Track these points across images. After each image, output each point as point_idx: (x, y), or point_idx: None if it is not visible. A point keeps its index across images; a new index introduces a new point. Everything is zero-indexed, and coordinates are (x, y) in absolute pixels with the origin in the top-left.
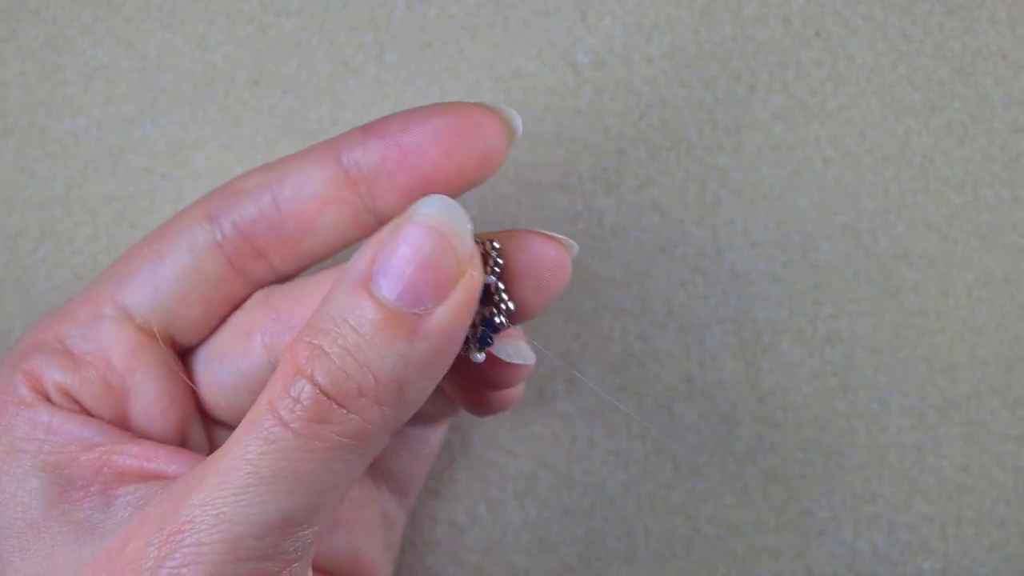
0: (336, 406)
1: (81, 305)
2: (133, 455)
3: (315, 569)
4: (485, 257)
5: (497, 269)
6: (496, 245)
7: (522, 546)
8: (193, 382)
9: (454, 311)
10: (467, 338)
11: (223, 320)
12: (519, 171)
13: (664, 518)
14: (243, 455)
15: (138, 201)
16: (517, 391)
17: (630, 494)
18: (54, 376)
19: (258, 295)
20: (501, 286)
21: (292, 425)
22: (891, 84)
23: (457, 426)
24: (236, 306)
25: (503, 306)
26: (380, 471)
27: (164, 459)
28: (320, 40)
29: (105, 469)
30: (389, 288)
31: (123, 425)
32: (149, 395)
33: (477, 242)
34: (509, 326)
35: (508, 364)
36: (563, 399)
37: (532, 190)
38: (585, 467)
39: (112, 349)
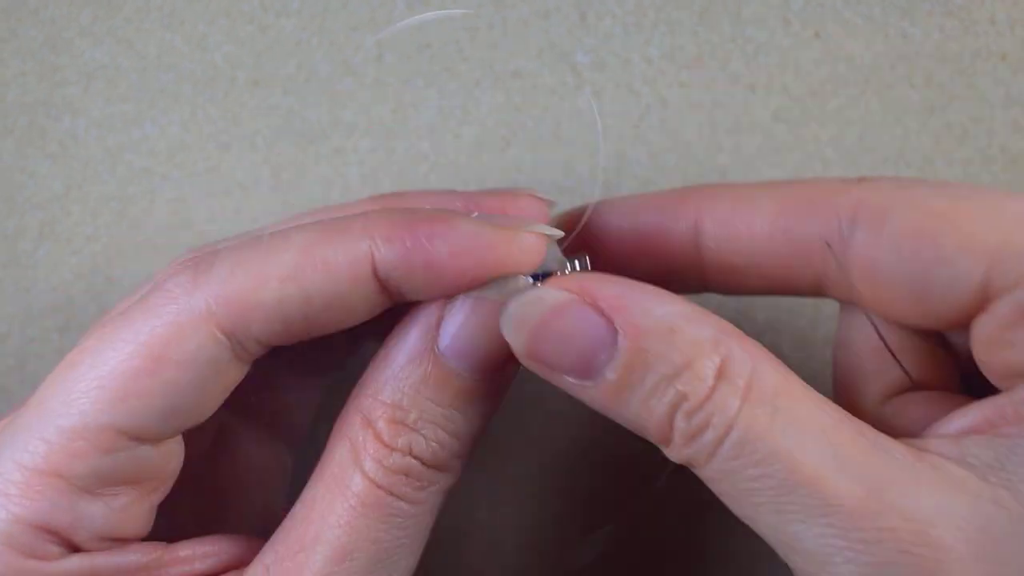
0: (437, 471)
1: (76, 440)
2: (179, 560)
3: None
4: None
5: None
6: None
7: (521, 548)
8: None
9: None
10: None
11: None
12: (519, 171)
13: (665, 519)
14: (361, 536)
15: (138, 201)
16: None
17: (631, 495)
18: (85, 524)
19: None
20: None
21: (406, 498)
22: (890, 84)
23: None
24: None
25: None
26: (278, 427)
27: (210, 555)
28: (320, 40)
29: None
30: (458, 358)
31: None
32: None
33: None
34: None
35: None
36: (563, 400)
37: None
38: (585, 469)
39: (144, 471)
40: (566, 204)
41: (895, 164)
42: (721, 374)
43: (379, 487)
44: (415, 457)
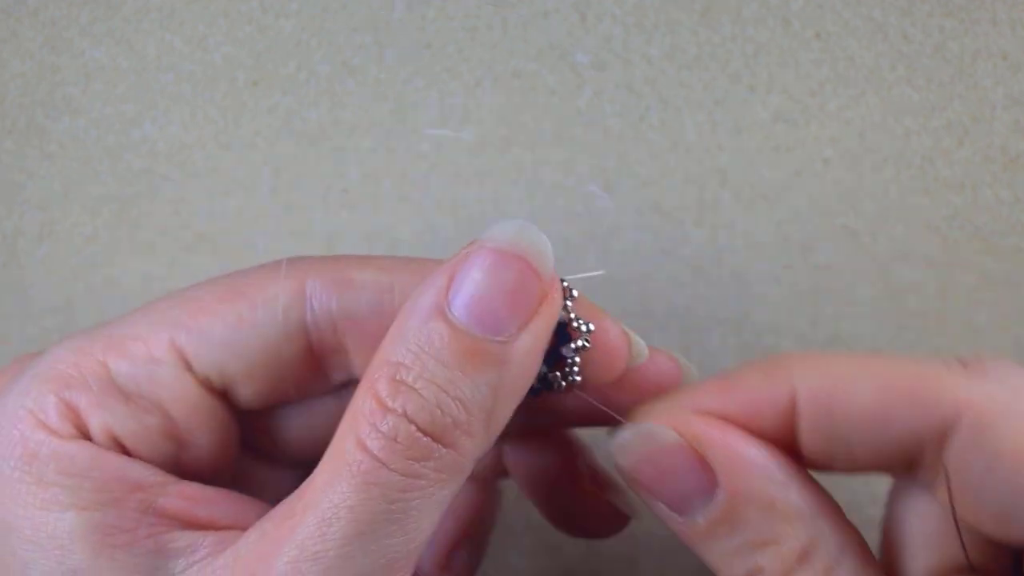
0: (433, 443)
1: (133, 340)
2: (181, 496)
3: None
4: (573, 330)
5: (585, 344)
6: (591, 327)
7: (524, 548)
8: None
9: (536, 337)
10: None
11: (281, 394)
12: (519, 172)
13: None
14: (341, 503)
15: (138, 201)
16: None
17: (630, 495)
18: (104, 418)
19: None
20: (578, 359)
21: (392, 465)
22: (891, 85)
23: None
24: (301, 390)
25: (571, 378)
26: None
27: (213, 503)
28: (320, 41)
29: (151, 511)
30: (471, 316)
31: (172, 472)
32: (204, 449)
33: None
34: (562, 390)
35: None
36: None
37: (532, 190)
38: None
39: (173, 401)
40: (566, 204)
41: (895, 164)
42: (804, 557)
43: (367, 451)
44: (410, 420)
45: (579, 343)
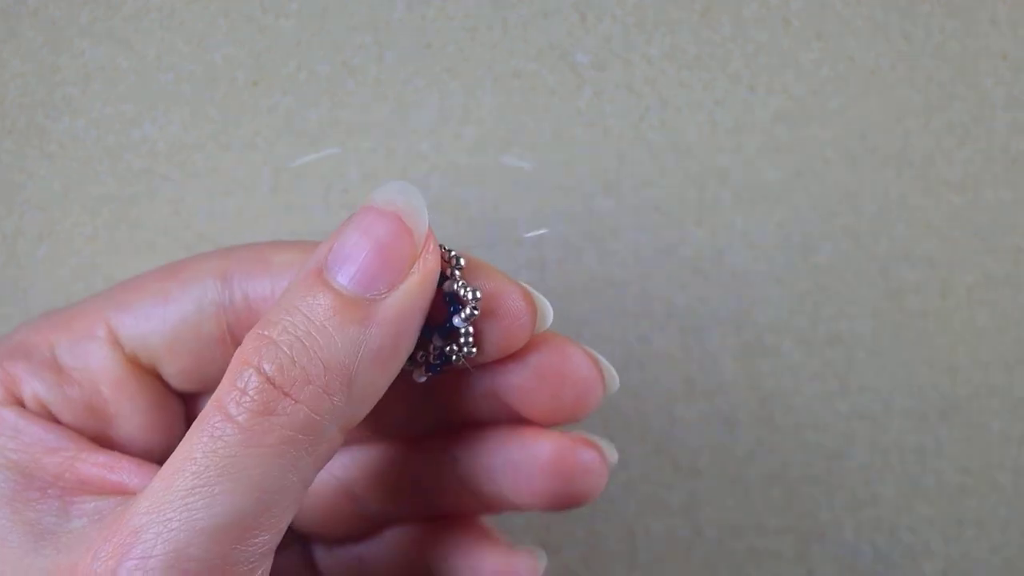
0: (283, 395)
1: (78, 318)
2: (97, 464)
3: None
4: (461, 298)
5: (474, 311)
6: (478, 294)
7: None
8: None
9: (408, 295)
10: (417, 358)
11: (208, 376)
12: (519, 172)
13: (665, 520)
14: (189, 455)
15: (138, 201)
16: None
17: (631, 495)
18: (35, 386)
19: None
20: (471, 329)
21: (238, 419)
22: (891, 85)
23: None
24: (223, 369)
25: (465, 349)
26: None
27: (128, 471)
28: (320, 40)
29: (67, 474)
30: (343, 274)
31: (104, 446)
32: (135, 425)
33: (456, 282)
34: (464, 365)
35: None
36: None
37: (532, 190)
38: None
39: (100, 372)
40: (566, 204)
41: (896, 165)
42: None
43: (220, 405)
44: (259, 371)
45: (467, 311)
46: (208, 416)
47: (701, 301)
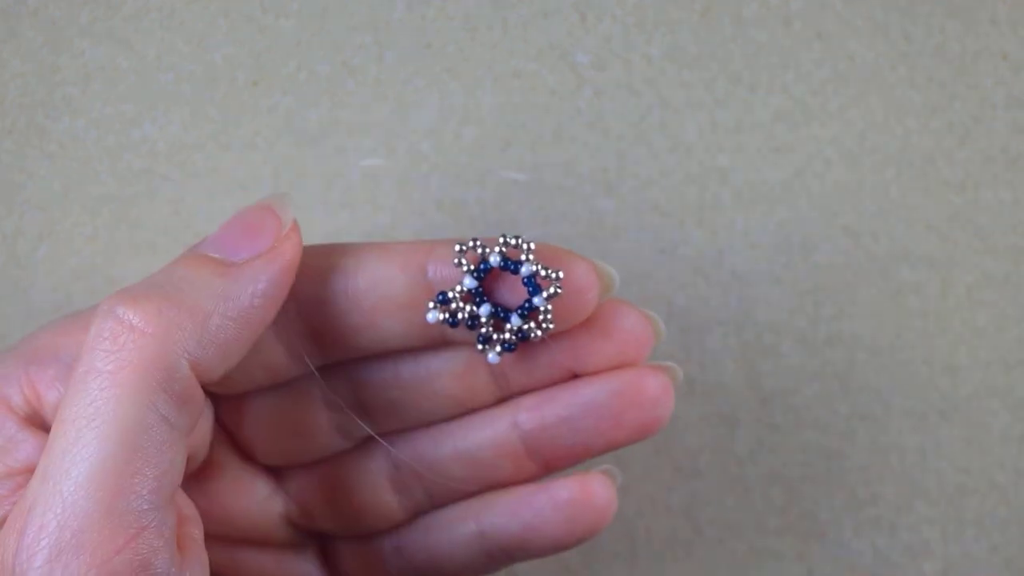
0: (132, 329)
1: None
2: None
3: None
4: (541, 279)
5: (557, 290)
6: (560, 275)
7: None
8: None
9: (270, 264)
10: (490, 337)
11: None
12: (519, 172)
13: (665, 519)
14: (60, 417)
15: (138, 201)
16: None
17: (631, 495)
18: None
19: None
20: (551, 307)
21: (96, 365)
22: (892, 85)
23: None
24: (270, 372)
25: (545, 325)
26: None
27: None
28: (320, 40)
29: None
30: (210, 245)
31: None
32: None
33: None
34: (541, 339)
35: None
36: None
37: (532, 191)
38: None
39: None
40: (566, 204)
41: (895, 164)
42: None
43: (81, 359)
44: (114, 315)
45: (551, 290)
46: (76, 375)
47: (701, 301)
